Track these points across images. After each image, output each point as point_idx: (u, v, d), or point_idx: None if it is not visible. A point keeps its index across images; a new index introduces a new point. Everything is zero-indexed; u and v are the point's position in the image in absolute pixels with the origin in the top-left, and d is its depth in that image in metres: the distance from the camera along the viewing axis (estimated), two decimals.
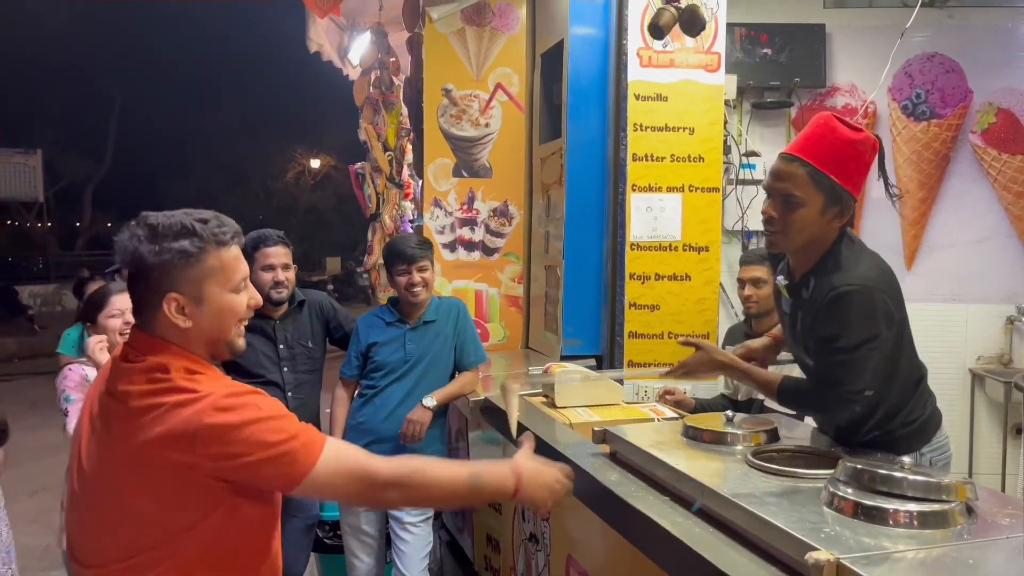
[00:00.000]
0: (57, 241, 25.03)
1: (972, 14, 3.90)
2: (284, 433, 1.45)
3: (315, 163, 28.29)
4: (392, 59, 4.75)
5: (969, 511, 1.53)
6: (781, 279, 2.19)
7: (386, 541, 3.23)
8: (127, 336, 2.76)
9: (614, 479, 2.01)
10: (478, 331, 4.08)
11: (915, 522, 1.47)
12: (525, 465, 1.70)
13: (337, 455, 1.50)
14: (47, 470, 4.32)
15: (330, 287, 20.88)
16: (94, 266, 17.87)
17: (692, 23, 3.10)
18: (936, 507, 1.48)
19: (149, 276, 1.49)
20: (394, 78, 4.76)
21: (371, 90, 4.79)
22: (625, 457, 2.13)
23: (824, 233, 2.02)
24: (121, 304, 2.83)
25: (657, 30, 3.12)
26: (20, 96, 21.74)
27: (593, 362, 3.71)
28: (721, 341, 3.60)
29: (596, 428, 2.27)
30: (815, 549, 1.36)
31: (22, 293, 18.15)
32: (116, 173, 26.98)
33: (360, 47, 5.06)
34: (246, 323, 1.61)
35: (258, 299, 1.61)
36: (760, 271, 3.21)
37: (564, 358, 3.65)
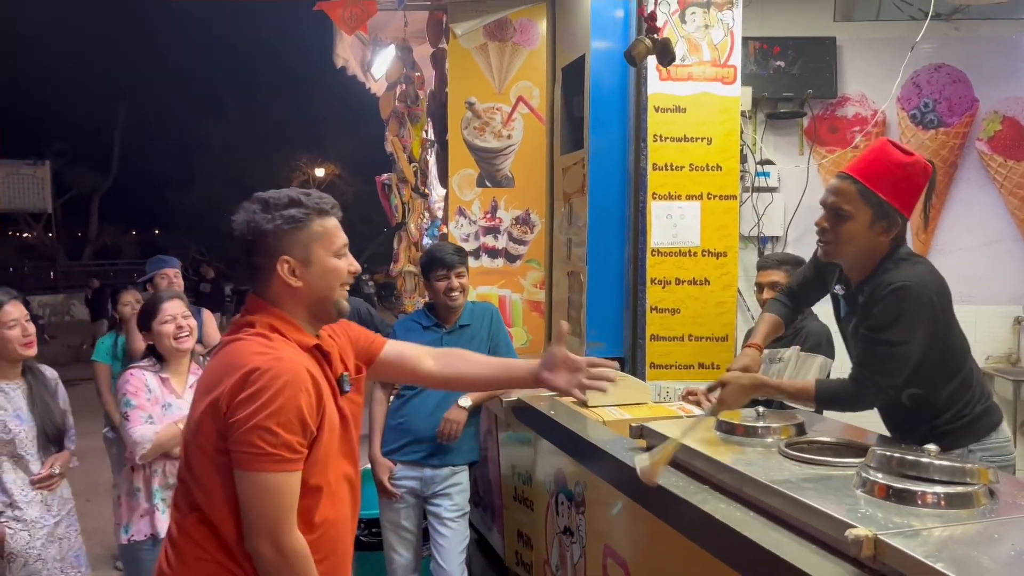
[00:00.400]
0: (65, 252, 25.20)
1: (978, 26, 4.05)
2: (283, 430, 1.59)
3: (319, 172, 28.47)
4: (417, 74, 4.91)
5: (991, 493, 1.67)
6: (839, 288, 2.37)
7: (423, 536, 3.36)
8: (181, 340, 2.92)
9: None
10: None
11: (942, 502, 1.61)
12: None
13: (288, 489, 1.62)
14: (72, 476, 4.43)
15: None
16: (103, 276, 18.03)
17: (664, 54, 3.31)
18: (961, 489, 1.62)
19: (265, 242, 1.70)
20: (419, 92, 4.92)
21: (396, 104, 4.94)
22: None
23: (874, 246, 2.22)
24: (172, 310, 2.97)
25: (631, 58, 3.32)
26: (28, 108, 21.94)
27: (616, 364, 3.84)
28: (741, 342, 3.74)
29: (633, 424, 2.41)
30: (853, 527, 1.50)
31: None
32: (122, 184, 27.20)
33: (384, 62, 5.22)
34: (348, 287, 1.80)
35: (356, 266, 1.81)
36: (777, 275, 3.37)
37: None
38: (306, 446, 1.66)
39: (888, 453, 1.74)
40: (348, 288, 1.83)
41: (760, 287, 3.45)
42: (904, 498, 1.63)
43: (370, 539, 3.60)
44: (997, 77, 4.06)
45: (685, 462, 2.14)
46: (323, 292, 1.75)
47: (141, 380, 2.89)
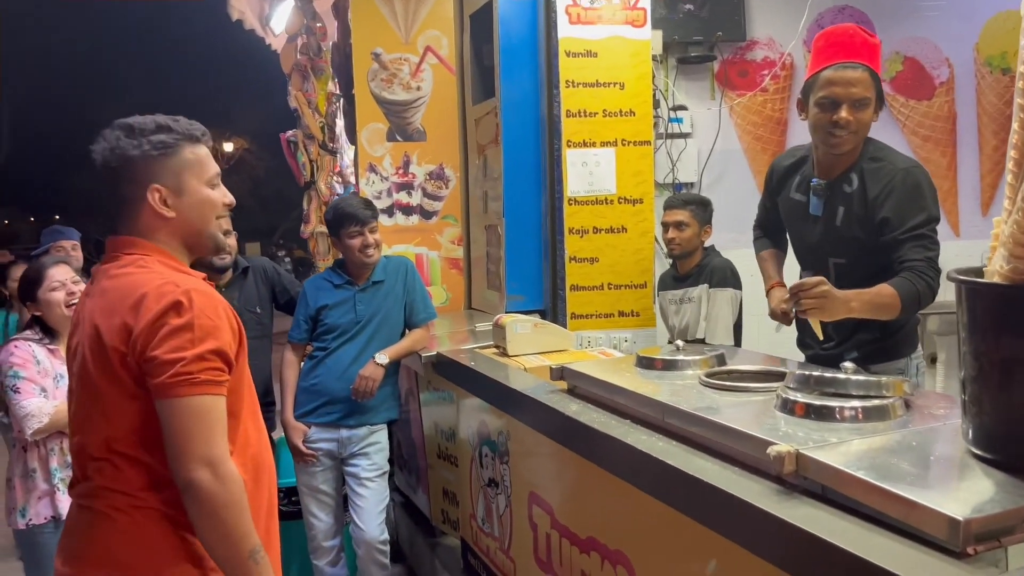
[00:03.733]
0: None
1: None
2: (207, 355, 1.49)
3: (228, 147, 27.47)
4: (319, 24, 4.69)
5: (907, 405, 1.67)
6: (816, 181, 2.32)
7: (343, 502, 3.26)
8: (73, 308, 2.72)
9: (575, 410, 2.10)
10: None
11: (860, 416, 1.60)
12: None
13: (220, 411, 1.50)
14: None
15: None
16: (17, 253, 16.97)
17: None
18: (878, 402, 1.62)
19: (133, 170, 1.58)
20: (322, 44, 4.71)
21: (299, 56, 4.71)
22: (584, 390, 2.22)
23: (869, 129, 2.24)
24: (60, 276, 2.76)
25: None
26: None
27: (537, 317, 3.79)
28: (657, 288, 3.75)
29: (553, 366, 2.36)
30: (775, 444, 1.47)
31: None
32: (15, 167, 25.61)
33: (283, 15, 4.97)
34: (227, 223, 1.73)
35: (231, 198, 1.71)
36: (682, 215, 3.40)
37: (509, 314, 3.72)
38: (227, 374, 1.55)
39: (806, 372, 1.72)
40: (224, 221, 1.73)
41: (666, 226, 3.48)
42: (823, 415, 1.61)
43: (290, 508, 3.47)
44: (898, 18, 4.12)
45: (606, 398, 2.09)
46: (198, 224, 1.65)
47: (28, 352, 2.68)
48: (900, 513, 1.23)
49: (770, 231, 2.73)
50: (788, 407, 1.67)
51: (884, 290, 2.11)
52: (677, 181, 4.06)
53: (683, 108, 4.04)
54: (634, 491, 1.78)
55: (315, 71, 4.64)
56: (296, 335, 3.16)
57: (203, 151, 1.67)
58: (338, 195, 5.51)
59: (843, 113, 2.19)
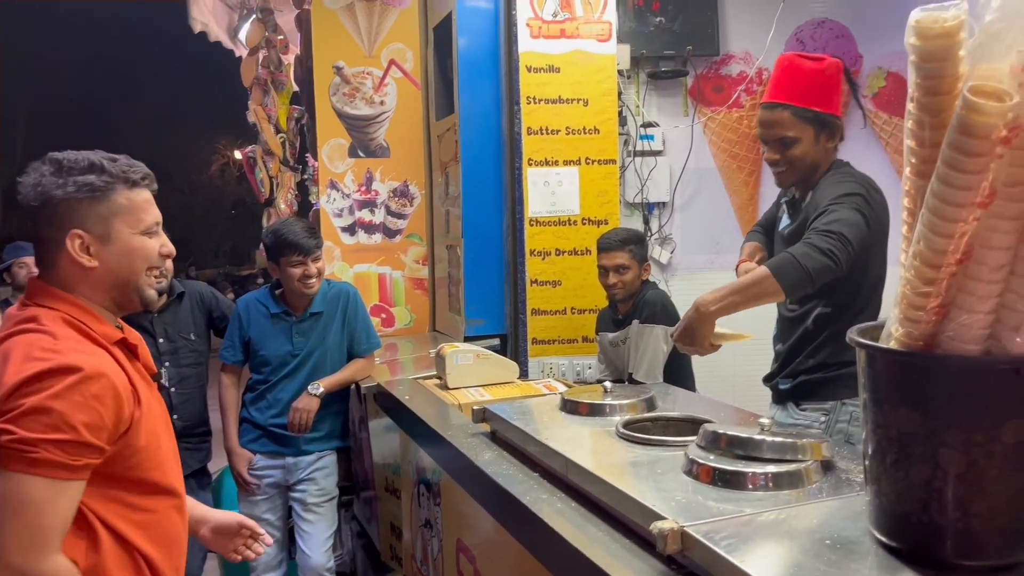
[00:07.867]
0: None
1: None
2: (50, 434, 1.30)
3: (239, 154, 27.60)
4: (280, 37, 4.57)
5: (828, 468, 1.50)
6: (787, 197, 2.41)
7: (289, 535, 3.12)
8: None
9: (487, 458, 1.95)
10: (383, 316, 3.98)
11: (770, 483, 1.43)
12: None
13: (43, 500, 1.30)
14: None
15: (260, 280, 20.38)
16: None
17: None
18: (791, 467, 1.45)
19: (54, 211, 1.44)
20: (282, 57, 4.59)
21: (259, 70, 4.61)
22: (503, 435, 2.07)
23: (823, 156, 2.25)
24: None
25: None
26: None
27: (497, 342, 3.64)
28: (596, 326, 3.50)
29: (475, 407, 2.20)
30: (663, 518, 1.32)
31: None
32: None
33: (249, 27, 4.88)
34: (159, 275, 1.58)
35: (170, 248, 1.57)
36: (623, 257, 3.06)
37: (468, 339, 3.57)
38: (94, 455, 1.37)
39: (717, 430, 1.56)
40: (158, 275, 1.59)
41: (604, 270, 3.11)
42: (729, 481, 1.44)
43: None
44: (880, 31, 3.93)
45: (520, 447, 1.94)
46: (124, 275, 1.50)
47: None
48: None
49: (769, 230, 2.62)
50: (693, 471, 1.51)
51: (758, 270, 2.01)
52: (647, 201, 3.90)
53: (654, 125, 3.88)
54: (526, 555, 1.62)
55: (276, 85, 4.52)
56: (230, 357, 3.02)
57: (141, 197, 1.52)
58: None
59: (767, 153, 2.27)
